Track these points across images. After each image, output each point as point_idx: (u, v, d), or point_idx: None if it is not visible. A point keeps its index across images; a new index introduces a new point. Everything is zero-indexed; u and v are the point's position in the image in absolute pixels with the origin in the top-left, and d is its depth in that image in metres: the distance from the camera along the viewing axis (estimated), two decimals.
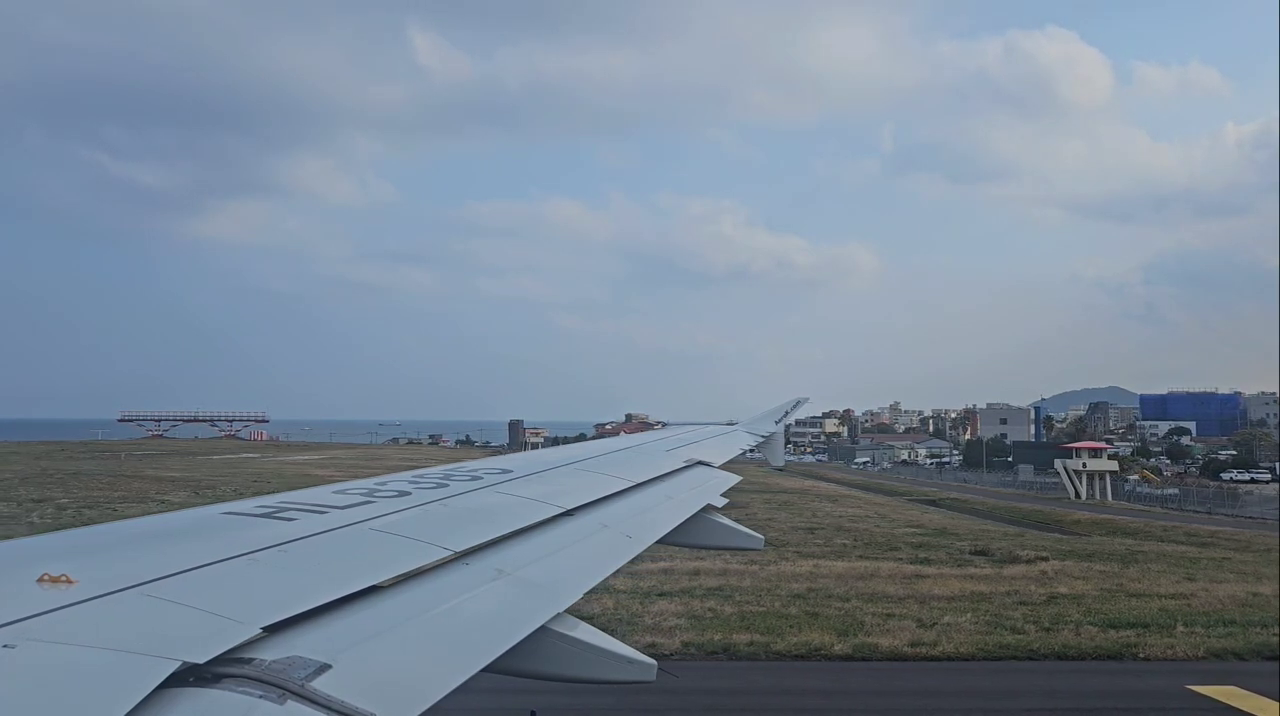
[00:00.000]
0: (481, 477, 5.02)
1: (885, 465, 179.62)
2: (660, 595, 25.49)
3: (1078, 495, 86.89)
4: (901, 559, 35.17)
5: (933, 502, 79.23)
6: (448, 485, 4.62)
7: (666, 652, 19.79)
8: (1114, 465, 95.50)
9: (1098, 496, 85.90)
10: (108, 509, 47.32)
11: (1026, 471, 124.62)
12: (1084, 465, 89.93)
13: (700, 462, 7.60)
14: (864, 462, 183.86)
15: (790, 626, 22.17)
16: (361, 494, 4.07)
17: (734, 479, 7.52)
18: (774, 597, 25.90)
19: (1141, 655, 20.45)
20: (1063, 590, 27.92)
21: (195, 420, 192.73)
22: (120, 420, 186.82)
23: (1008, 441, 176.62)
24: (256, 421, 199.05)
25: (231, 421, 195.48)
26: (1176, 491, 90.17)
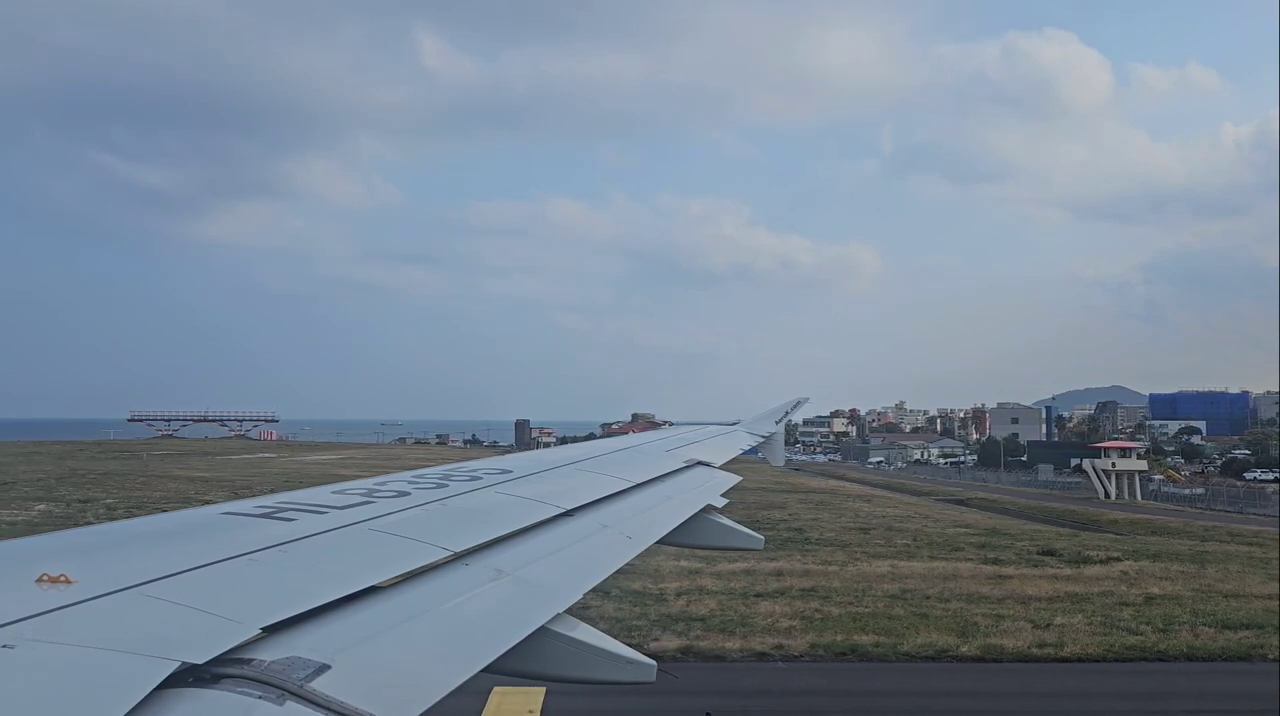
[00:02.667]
0: (481, 478, 5.01)
1: (899, 465, 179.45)
2: (757, 596, 25.59)
3: (1107, 495, 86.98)
4: (972, 559, 35.02)
5: (961, 502, 78.53)
6: (447, 485, 4.62)
7: (795, 654, 20.04)
8: (1143, 465, 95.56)
9: (1126, 496, 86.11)
10: (155, 509, 47.12)
11: (1046, 471, 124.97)
12: (1113, 465, 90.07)
13: (700, 463, 7.60)
14: (878, 462, 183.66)
15: (906, 627, 22.28)
16: (361, 494, 4.07)
17: (734, 479, 7.51)
18: (871, 598, 25.95)
19: (1270, 656, 20.50)
20: (1155, 591, 27.84)
21: (205, 420, 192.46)
22: (130, 420, 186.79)
23: (1023, 442, 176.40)
24: (266, 421, 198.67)
25: (241, 421, 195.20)
26: (1203, 491, 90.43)
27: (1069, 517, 64.51)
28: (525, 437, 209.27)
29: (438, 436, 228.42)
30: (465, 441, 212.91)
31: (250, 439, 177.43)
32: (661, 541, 5.03)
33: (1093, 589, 27.98)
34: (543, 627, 3.09)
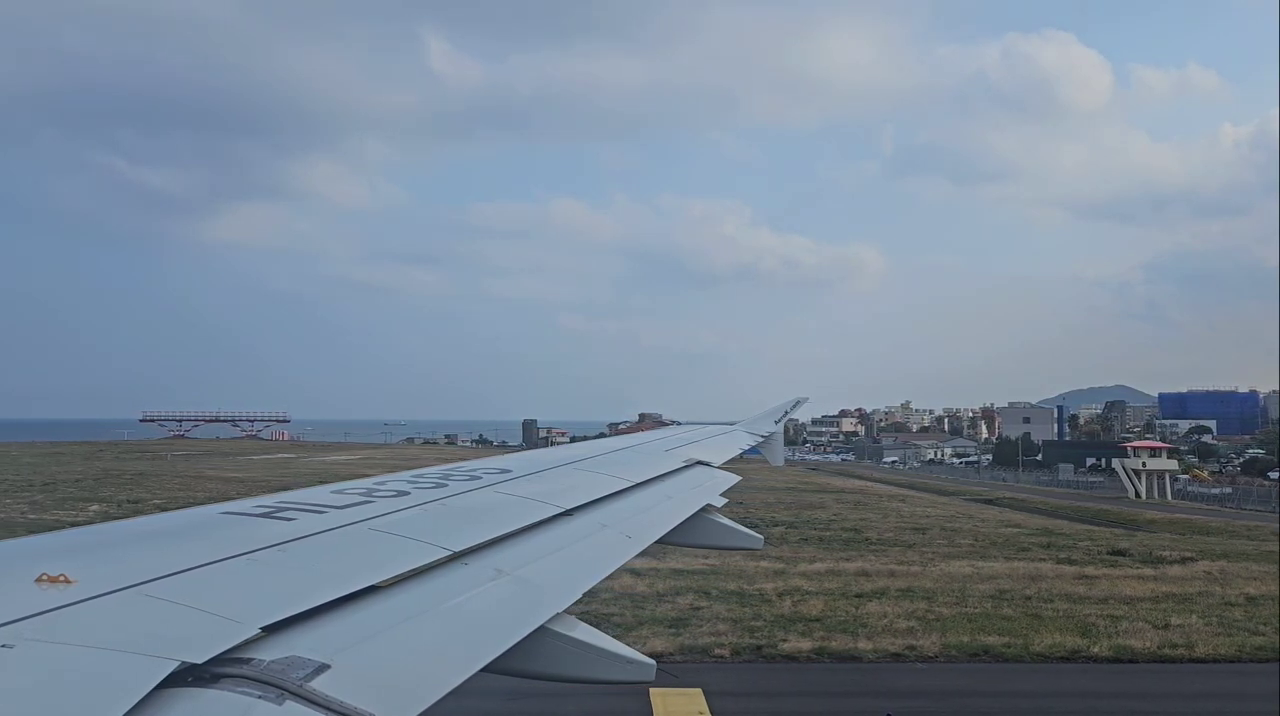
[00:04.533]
0: (480, 477, 5.01)
1: (914, 464, 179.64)
2: (858, 596, 25.68)
3: (1138, 494, 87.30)
4: (1045, 559, 35.02)
5: (989, 502, 78.27)
6: (446, 485, 4.61)
7: (930, 655, 20.01)
8: (1173, 465, 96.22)
9: (1156, 495, 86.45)
10: None
11: (1066, 470, 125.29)
12: (1144, 464, 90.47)
13: (700, 462, 7.59)
14: (892, 462, 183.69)
15: (1025, 628, 22.29)
16: (360, 493, 4.06)
17: (734, 478, 7.50)
18: (975, 599, 25.96)
19: None
20: (1251, 591, 27.74)
21: (217, 420, 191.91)
22: (142, 420, 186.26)
23: (1037, 441, 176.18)
24: (278, 421, 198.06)
25: (253, 421, 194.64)
26: (1230, 490, 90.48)
27: (1105, 517, 64.32)
28: (533, 437, 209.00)
29: (446, 436, 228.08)
30: (474, 441, 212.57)
31: (262, 439, 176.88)
32: (661, 541, 5.02)
33: (1188, 589, 27.89)
34: (542, 627, 3.09)
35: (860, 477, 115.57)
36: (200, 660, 2.09)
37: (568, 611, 3.32)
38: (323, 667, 2.26)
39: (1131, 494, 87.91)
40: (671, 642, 20.02)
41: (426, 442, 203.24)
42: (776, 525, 45.43)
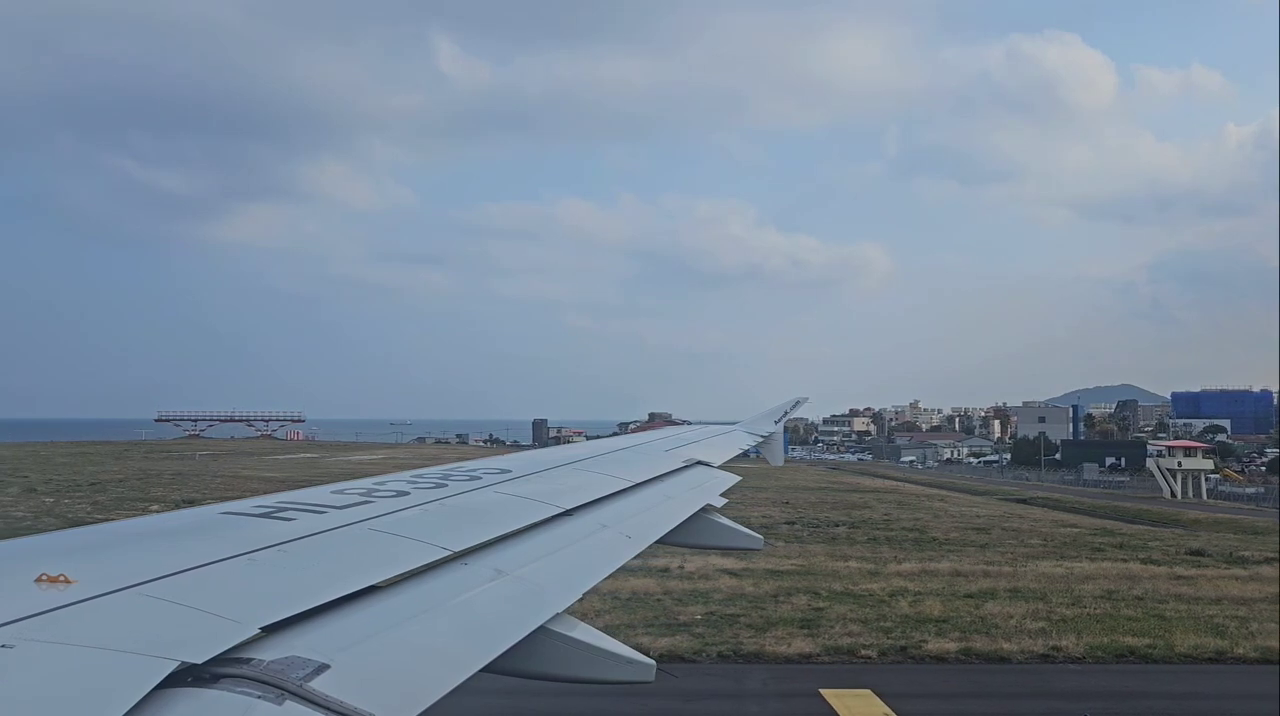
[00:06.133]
0: (480, 477, 5.00)
1: (932, 464, 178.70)
2: (967, 596, 25.61)
3: (1173, 494, 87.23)
4: (1124, 559, 34.77)
5: (1024, 501, 77.20)
6: (446, 485, 4.61)
7: (1077, 655, 19.83)
8: (1209, 464, 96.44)
9: (1191, 495, 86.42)
10: None
11: (1091, 470, 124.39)
12: (1179, 464, 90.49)
13: (699, 462, 7.58)
14: (910, 461, 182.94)
15: (1156, 628, 22.09)
16: (360, 494, 4.06)
17: (733, 479, 7.50)
18: (1090, 599, 25.78)
19: None
20: None
21: (232, 420, 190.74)
22: (158, 420, 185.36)
23: (1056, 441, 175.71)
24: (293, 421, 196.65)
25: (268, 421, 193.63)
26: (1262, 490, 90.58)
27: (1148, 517, 63.40)
28: (543, 436, 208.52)
29: (458, 436, 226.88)
30: (485, 441, 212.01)
31: (277, 439, 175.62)
32: (661, 541, 5.02)
33: None
34: (542, 627, 3.08)
35: (885, 477, 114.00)
36: (200, 660, 2.09)
37: (568, 611, 3.32)
38: (322, 667, 2.26)
39: (1167, 493, 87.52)
40: (813, 644, 19.93)
41: (438, 442, 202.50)
42: (836, 525, 45.32)
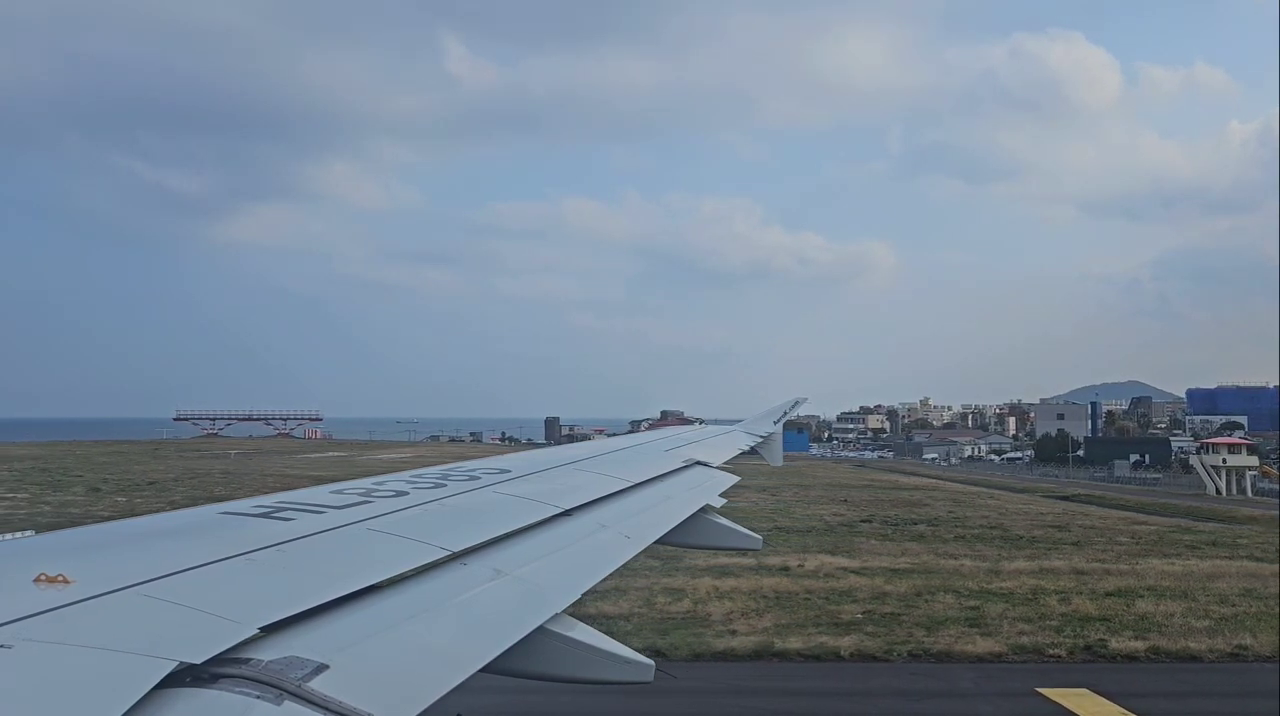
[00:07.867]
0: (479, 477, 5.00)
1: (954, 461, 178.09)
2: (1109, 595, 25.39)
3: (1219, 491, 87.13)
4: (1229, 556, 34.37)
5: (1065, 498, 76.27)
6: (445, 485, 4.61)
7: (1264, 655, 19.46)
8: (1254, 460, 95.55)
9: (1234, 491, 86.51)
10: None
11: (1123, 467, 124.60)
12: (1224, 461, 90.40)
13: (699, 463, 7.59)
14: (932, 458, 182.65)
15: None
16: (359, 494, 4.06)
17: (733, 479, 7.50)
18: (1233, 598, 25.39)
19: None
20: None
21: (250, 418, 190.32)
22: (176, 418, 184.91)
23: (1078, 438, 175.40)
24: (310, 419, 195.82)
25: (285, 419, 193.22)
26: None
27: (1201, 514, 61.70)
28: (556, 434, 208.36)
29: (471, 434, 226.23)
30: (498, 438, 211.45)
31: (295, 437, 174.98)
32: (660, 541, 5.03)
33: None
34: (541, 627, 3.09)
35: (918, 475, 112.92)
36: (199, 660, 2.09)
37: (568, 611, 3.32)
38: (321, 667, 2.26)
39: (1211, 490, 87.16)
40: (996, 643, 19.82)
41: (453, 440, 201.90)
42: (914, 523, 45.16)
